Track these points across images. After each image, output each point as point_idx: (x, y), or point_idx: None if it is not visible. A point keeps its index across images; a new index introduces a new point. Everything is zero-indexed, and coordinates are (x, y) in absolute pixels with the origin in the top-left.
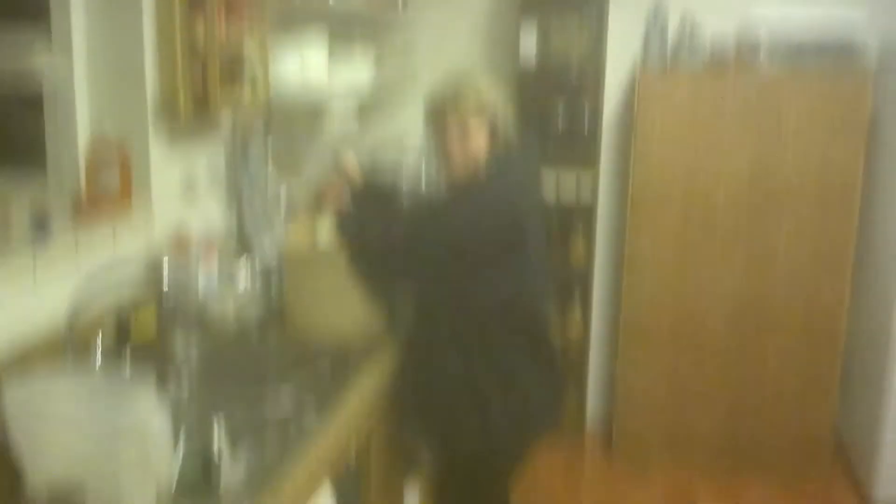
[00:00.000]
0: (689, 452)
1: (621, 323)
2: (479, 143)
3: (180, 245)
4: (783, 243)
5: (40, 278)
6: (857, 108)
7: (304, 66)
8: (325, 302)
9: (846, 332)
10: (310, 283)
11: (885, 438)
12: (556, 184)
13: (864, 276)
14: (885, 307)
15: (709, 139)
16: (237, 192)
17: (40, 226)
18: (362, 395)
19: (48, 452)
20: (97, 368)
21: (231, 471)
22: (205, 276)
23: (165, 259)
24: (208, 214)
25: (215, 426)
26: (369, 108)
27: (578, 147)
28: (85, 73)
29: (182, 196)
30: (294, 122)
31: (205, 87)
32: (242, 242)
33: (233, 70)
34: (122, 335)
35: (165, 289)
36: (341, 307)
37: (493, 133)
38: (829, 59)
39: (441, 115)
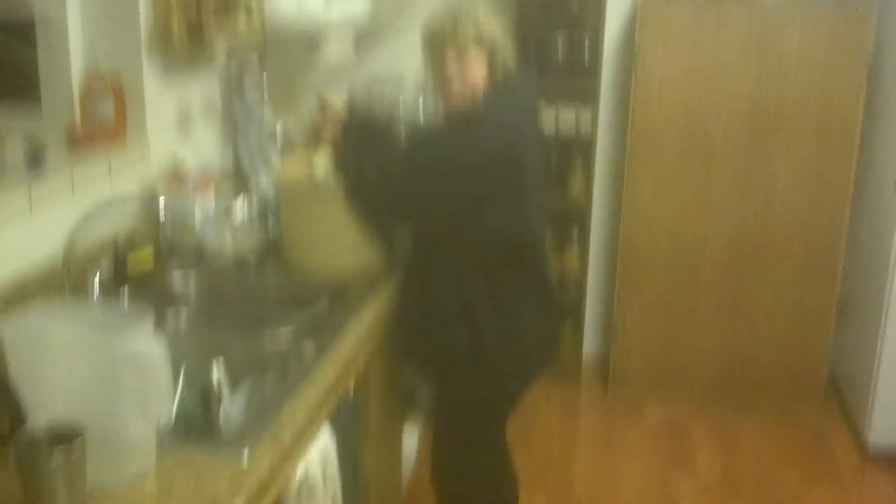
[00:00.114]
0: (683, 391)
1: (619, 259)
2: (477, 73)
3: (177, 179)
4: (782, 178)
5: (36, 213)
6: (859, 41)
7: None
8: (323, 236)
9: (843, 269)
10: (307, 218)
11: (879, 384)
12: (556, 119)
13: (862, 210)
14: (882, 243)
15: (709, 70)
16: (233, 125)
17: (35, 160)
18: (361, 331)
19: (48, 389)
20: (95, 303)
21: (230, 408)
22: (201, 211)
23: (162, 198)
24: (204, 148)
25: (214, 363)
26: (367, 37)
27: (578, 81)
28: (78, 2)
29: (177, 128)
30: (290, 55)
31: (199, 16)
32: (239, 177)
33: None
34: (120, 271)
35: (162, 220)
36: (339, 242)
37: (491, 64)
38: None
39: (439, 45)
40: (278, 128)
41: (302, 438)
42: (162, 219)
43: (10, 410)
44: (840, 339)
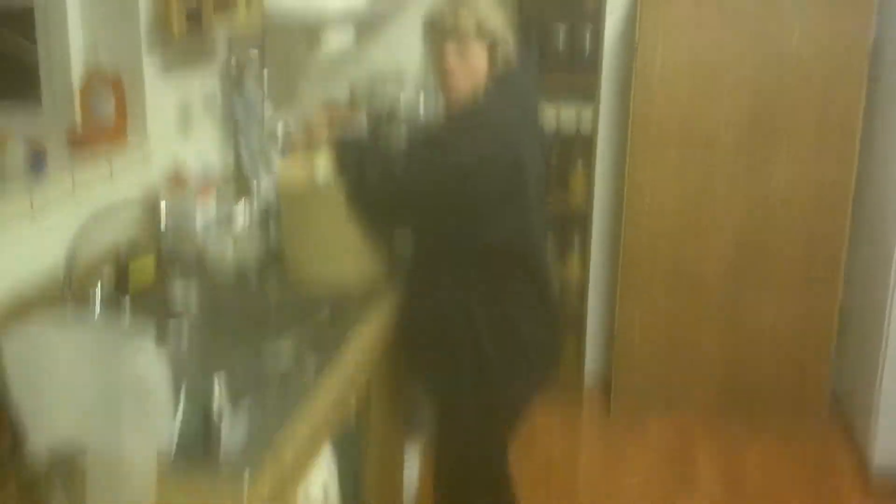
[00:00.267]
0: (686, 407)
1: (620, 270)
2: (478, 66)
3: (178, 183)
4: (782, 178)
5: (39, 218)
6: (859, 38)
7: None
8: (324, 242)
9: (844, 278)
10: (308, 223)
11: (882, 406)
12: (557, 117)
13: (863, 216)
14: (883, 251)
15: (710, 64)
16: (233, 123)
17: (37, 162)
18: (362, 344)
19: (48, 409)
20: (96, 318)
21: (231, 431)
22: (202, 217)
23: (163, 203)
24: (205, 148)
25: (216, 385)
26: (367, 29)
27: (579, 76)
28: None
29: (178, 127)
30: (290, 49)
31: (198, 8)
32: (240, 179)
33: None
34: (121, 281)
35: (163, 228)
36: (340, 248)
37: (492, 57)
38: None
39: (439, 37)
40: (279, 127)
41: (303, 458)
42: (163, 226)
43: (10, 431)
44: (842, 356)
